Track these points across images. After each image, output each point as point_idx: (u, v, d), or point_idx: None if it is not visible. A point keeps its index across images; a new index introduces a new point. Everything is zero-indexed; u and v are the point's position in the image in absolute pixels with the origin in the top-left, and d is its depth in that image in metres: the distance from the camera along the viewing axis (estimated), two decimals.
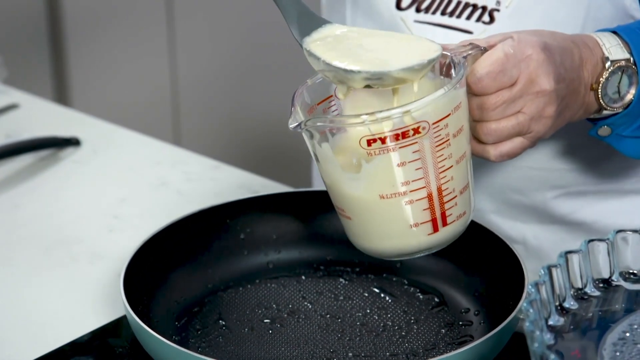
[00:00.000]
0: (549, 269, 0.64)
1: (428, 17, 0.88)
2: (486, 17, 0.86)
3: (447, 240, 0.72)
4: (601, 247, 0.66)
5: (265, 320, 0.81)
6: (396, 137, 0.68)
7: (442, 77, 0.72)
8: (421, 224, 0.71)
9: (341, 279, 0.86)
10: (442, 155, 0.70)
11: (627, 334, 0.61)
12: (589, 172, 0.91)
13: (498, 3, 0.86)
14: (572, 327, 0.63)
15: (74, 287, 0.87)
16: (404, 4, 0.88)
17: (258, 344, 0.78)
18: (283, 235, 0.88)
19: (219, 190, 1.01)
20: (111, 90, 1.93)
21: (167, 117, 1.97)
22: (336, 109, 0.74)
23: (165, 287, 0.82)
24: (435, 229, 0.71)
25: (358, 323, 0.81)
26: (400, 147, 0.69)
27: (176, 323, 0.80)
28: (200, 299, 0.83)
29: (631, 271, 0.66)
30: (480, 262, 0.83)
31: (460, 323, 0.80)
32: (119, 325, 0.81)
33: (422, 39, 0.72)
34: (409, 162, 0.69)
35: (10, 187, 1.02)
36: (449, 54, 0.72)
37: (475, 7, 0.86)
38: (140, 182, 1.04)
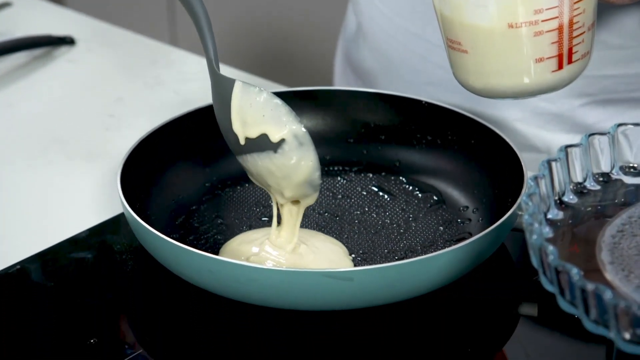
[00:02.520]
0: (548, 162, 0.63)
1: None
2: None
3: (567, 81, 0.69)
4: (602, 141, 0.65)
5: (264, 218, 0.81)
6: None
7: None
8: (547, 59, 0.67)
9: (339, 178, 0.86)
10: None
11: (626, 226, 0.61)
12: (619, 79, 0.90)
13: None
14: (571, 221, 0.63)
15: (70, 186, 0.87)
16: None
17: None
18: None
19: None
20: None
21: (163, 16, 1.95)
22: None
23: (162, 186, 0.82)
24: (560, 66, 0.67)
25: (356, 221, 0.81)
26: None
27: (174, 221, 0.80)
28: (198, 197, 0.83)
29: (631, 165, 0.66)
30: (479, 160, 0.83)
31: (459, 220, 0.80)
32: (116, 223, 0.81)
33: None
34: None
35: (3, 86, 1.02)
36: None
37: None
38: (135, 81, 1.03)
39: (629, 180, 0.66)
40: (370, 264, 0.75)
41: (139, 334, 0.71)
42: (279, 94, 0.88)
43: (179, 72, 1.04)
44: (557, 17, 0.66)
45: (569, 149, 0.65)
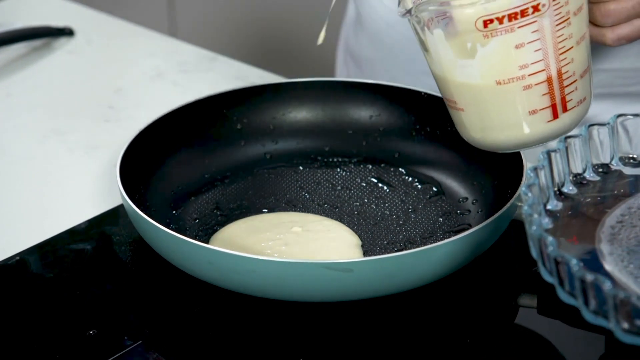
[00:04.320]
0: (548, 153, 0.64)
1: None
2: None
3: (567, 128, 0.69)
4: (601, 132, 0.65)
5: (263, 210, 0.81)
6: (514, 16, 0.65)
7: None
8: (540, 110, 0.68)
9: (339, 169, 0.86)
10: (563, 35, 0.67)
11: (625, 217, 0.61)
12: (615, 74, 0.90)
13: None
14: (570, 212, 0.63)
15: (70, 177, 0.87)
16: None
17: None
18: (280, 126, 0.88)
19: (215, 82, 1.00)
20: None
21: (162, 7, 1.95)
22: None
23: (161, 177, 0.82)
24: (555, 116, 0.68)
25: (356, 212, 0.81)
26: (518, 27, 0.65)
27: (173, 212, 0.80)
28: (197, 189, 0.83)
29: (630, 156, 0.66)
30: (479, 152, 0.82)
31: (458, 212, 0.80)
32: (116, 214, 0.81)
33: None
34: (527, 43, 0.66)
35: (3, 77, 1.02)
36: None
37: None
38: (135, 73, 1.03)
39: (628, 171, 0.66)
40: (369, 255, 0.75)
41: (138, 325, 0.71)
42: (278, 85, 0.89)
43: (178, 63, 1.04)
44: (544, 70, 0.67)
45: (569, 140, 0.65)
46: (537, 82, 0.67)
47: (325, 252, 0.74)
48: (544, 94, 0.68)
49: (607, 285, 0.53)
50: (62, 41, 1.08)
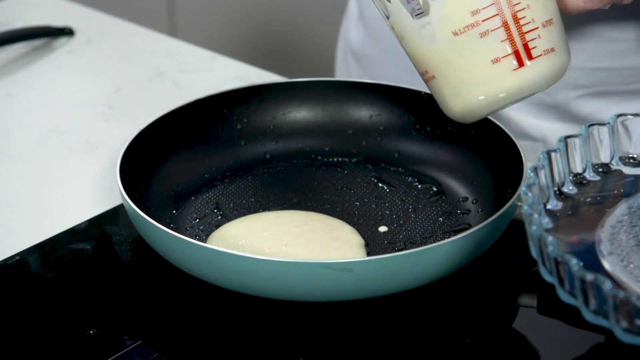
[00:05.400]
0: (548, 153, 0.63)
1: None
2: None
3: (537, 79, 0.68)
4: (601, 132, 0.65)
5: (262, 210, 0.81)
6: None
7: None
8: (502, 57, 0.67)
9: (339, 169, 0.86)
10: None
11: (626, 217, 0.61)
12: (615, 72, 0.90)
13: None
14: (570, 212, 0.63)
15: (70, 177, 0.87)
16: None
17: None
18: (280, 126, 0.88)
19: (215, 81, 1.00)
20: None
21: (162, 7, 1.95)
22: None
23: (161, 177, 0.82)
24: (520, 63, 0.67)
25: (356, 212, 0.81)
26: None
27: (173, 212, 0.80)
28: (197, 189, 0.83)
29: (631, 155, 0.66)
30: (479, 151, 0.83)
31: (458, 211, 0.80)
32: (116, 214, 0.81)
33: None
34: None
35: (3, 77, 1.02)
36: None
37: None
38: (135, 72, 1.03)
39: (628, 170, 0.66)
40: (369, 255, 0.75)
41: (138, 325, 0.71)
42: (278, 85, 0.89)
43: (178, 63, 1.04)
44: (497, 15, 0.67)
45: (569, 140, 0.65)
46: (493, 27, 0.67)
47: (327, 252, 0.74)
48: (502, 40, 0.67)
49: (607, 285, 0.53)
50: (62, 41, 1.08)
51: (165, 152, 0.83)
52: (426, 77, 0.71)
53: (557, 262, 0.56)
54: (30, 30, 1.06)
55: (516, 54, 0.67)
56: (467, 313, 0.71)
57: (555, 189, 0.64)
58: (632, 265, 0.58)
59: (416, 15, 0.68)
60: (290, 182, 0.84)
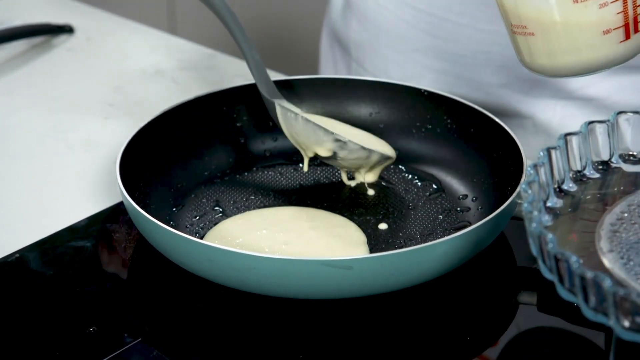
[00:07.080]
0: (548, 151, 0.63)
1: None
2: None
3: (636, 50, 0.68)
4: (601, 129, 0.65)
5: (262, 207, 0.81)
6: None
7: None
8: (614, 30, 0.67)
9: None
10: None
11: (625, 214, 0.61)
12: None
13: None
14: (570, 209, 0.63)
15: (70, 175, 0.87)
16: None
17: None
18: None
19: (214, 79, 1.00)
20: None
21: (162, 5, 1.95)
22: None
23: (161, 174, 0.82)
24: (627, 36, 0.67)
25: (355, 210, 0.81)
26: None
27: (173, 209, 0.80)
28: (196, 186, 0.83)
29: (630, 153, 0.66)
30: (479, 149, 0.83)
31: (458, 209, 0.80)
32: (116, 212, 0.81)
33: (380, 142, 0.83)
34: None
35: (2, 75, 1.02)
36: None
37: None
38: (135, 70, 1.03)
39: (628, 168, 0.66)
40: (370, 253, 0.75)
41: (138, 323, 0.71)
42: (277, 83, 0.89)
43: (177, 61, 1.04)
44: None
45: (568, 137, 0.65)
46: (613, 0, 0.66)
47: (330, 250, 0.74)
48: (618, 12, 0.67)
49: (607, 283, 0.53)
50: (62, 38, 1.08)
51: (165, 150, 0.83)
52: (521, 31, 0.69)
53: (557, 260, 0.56)
54: (29, 28, 1.06)
55: (626, 26, 0.67)
56: (467, 310, 0.71)
57: (555, 186, 0.64)
58: (631, 263, 0.58)
59: None
60: (289, 179, 0.84)
